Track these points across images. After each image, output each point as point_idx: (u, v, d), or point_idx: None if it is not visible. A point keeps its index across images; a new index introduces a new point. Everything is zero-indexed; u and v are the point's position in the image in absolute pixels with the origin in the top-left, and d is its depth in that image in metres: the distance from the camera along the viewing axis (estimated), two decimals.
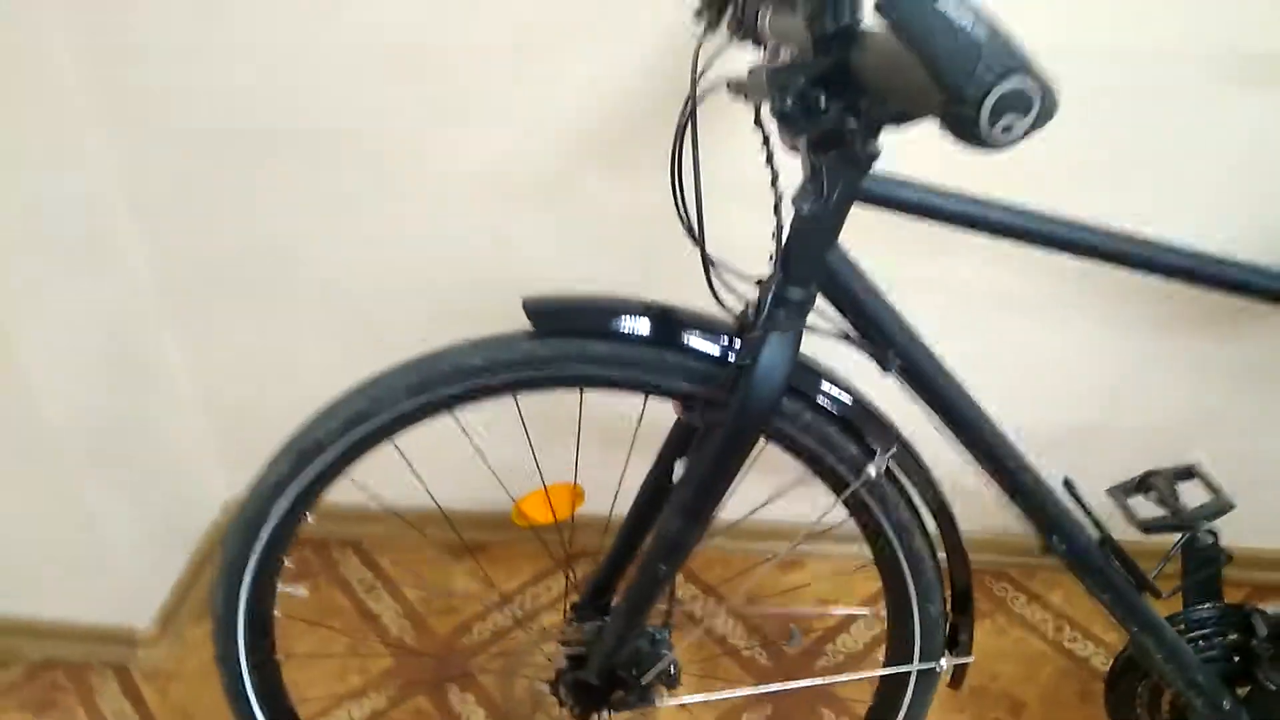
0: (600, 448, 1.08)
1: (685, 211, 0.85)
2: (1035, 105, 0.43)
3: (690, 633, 1.45)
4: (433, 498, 1.16)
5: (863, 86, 0.57)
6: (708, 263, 0.83)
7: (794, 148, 0.64)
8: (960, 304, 1.31)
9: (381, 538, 1.63)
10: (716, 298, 0.83)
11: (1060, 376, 1.40)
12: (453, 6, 1.14)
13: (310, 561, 1.60)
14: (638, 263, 1.29)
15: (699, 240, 0.83)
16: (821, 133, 0.60)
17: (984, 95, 0.42)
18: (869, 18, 0.56)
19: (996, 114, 0.43)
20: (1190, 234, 0.85)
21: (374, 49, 1.18)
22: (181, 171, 1.29)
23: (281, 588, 0.98)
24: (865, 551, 0.98)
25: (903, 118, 0.57)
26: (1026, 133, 0.44)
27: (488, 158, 1.26)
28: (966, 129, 0.44)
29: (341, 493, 0.99)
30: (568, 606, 1.04)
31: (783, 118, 0.60)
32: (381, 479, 1.07)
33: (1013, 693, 1.39)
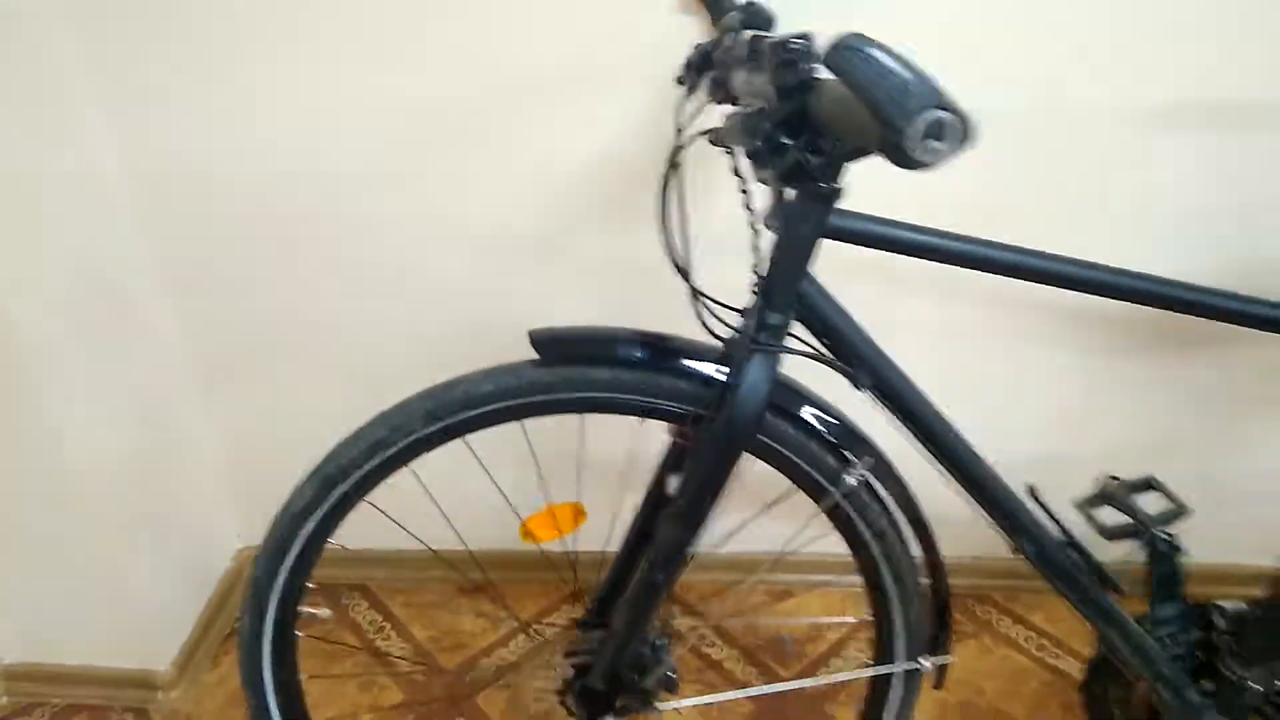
0: (598, 485, 1.16)
1: (673, 250, 0.94)
2: (954, 132, 0.53)
3: (686, 652, 1.51)
4: (453, 529, 1.23)
5: (819, 127, 0.67)
6: (695, 293, 0.93)
7: (764, 180, 0.74)
8: (923, 339, 1.41)
9: (389, 581, 1.70)
10: (704, 324, 0.92)
11: (1022, 405, 1.49)
12: (453, 74, 1.25)
13: (320, 605, 1.66)
14: (632, 309, 1.39)
15: (685, 273, 0.92)
16: (788, 168, 0.70)
17: (911, 125, 0.52)
18: (823, 70, 0.66)
19: (923, 140, 0.53)
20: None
21: (379, 116, 1.28)
22: (202, 242, 1.39)
23: (305, 610, 1.04)
24: (848, 579, 1.06)
25: (854, 153, 0.66)
26: (950, 155, 0.54)
27: (490, 215, 1.35)
28: (900, 154, 0.53)
29: (350, 538, 1.07)
30: (573, 621, 1.11)
31: (754, 156, 0.69)
32: (388, 524, 1.16)
33: (999, 706, 1.45)
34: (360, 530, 1.03)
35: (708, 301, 0.92)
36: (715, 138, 0.82)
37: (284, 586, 1.01)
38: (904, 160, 0.53)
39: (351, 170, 1.33)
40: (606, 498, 1.17)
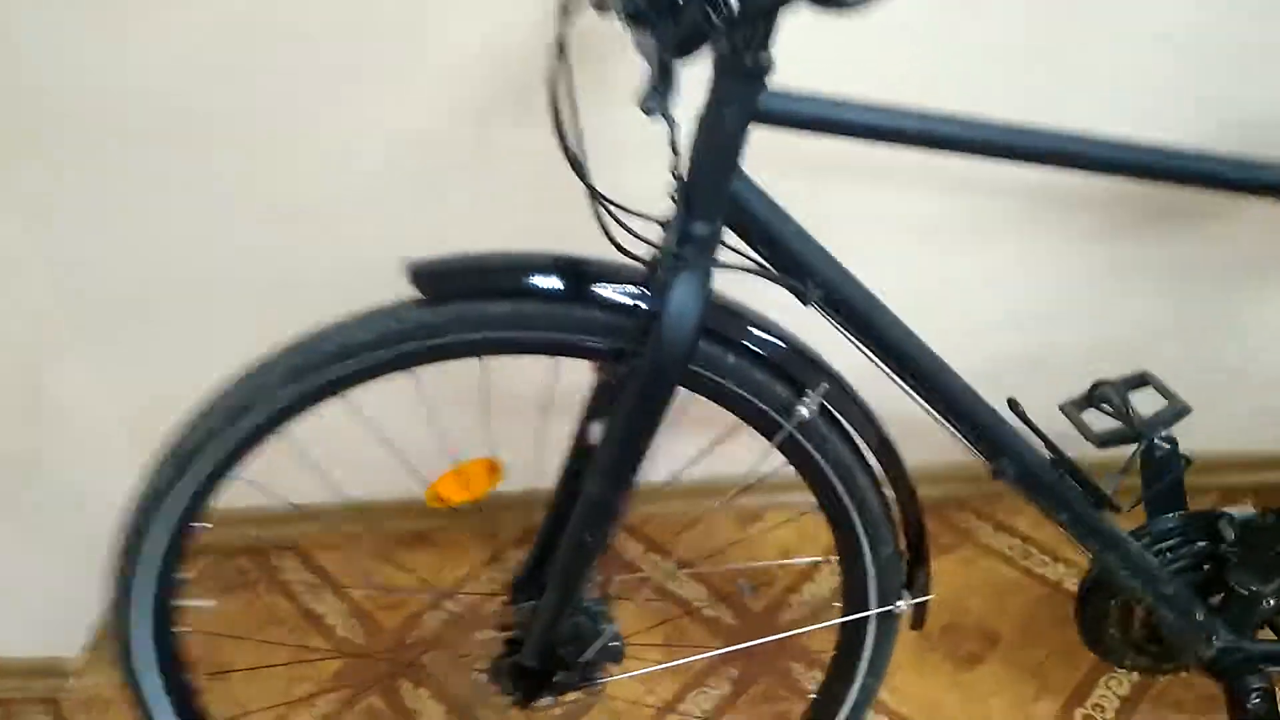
0: (520, 419, 1.02)
1: (568, 146, 0.77)
2: None
3: (643, 597, 1.40)
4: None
5: None
6: (597, 200, 0.76)
7: (645, 53, 0.56)
8: (879, 237, 1.23)
9: (319, 536, 1.56)
10: (607, 234, 0.76)
11: (995, 301, 1.35)
12: None
13: (247, 570, 1.52)
14: (557, 219, 1.21)
15: (581, 171, 0.75)
16: (685, 34, 0.53)
17: None
18: None
19: None
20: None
21: (262, 25, 1.09)
22: (70, 185, 1.21)
23: (187, 603, 0.90)
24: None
25: (771, 6, 0.49)
26: None
27: (390, 126, 1.18)
28: None
29: (272, 495, 0.94)
30: (503, 588, 0.97)
31: (634, 19, 0.52)
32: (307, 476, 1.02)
33: (986, 625, 1.35)
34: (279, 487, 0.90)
35: (615, 209, 0.76)
36: (599, 5, 0.64)
37: (156, 583, 0.87)
38: (835, 3, 0.37)
39: (228, 99, 1.14)
40: (531, 435, 1.02)
